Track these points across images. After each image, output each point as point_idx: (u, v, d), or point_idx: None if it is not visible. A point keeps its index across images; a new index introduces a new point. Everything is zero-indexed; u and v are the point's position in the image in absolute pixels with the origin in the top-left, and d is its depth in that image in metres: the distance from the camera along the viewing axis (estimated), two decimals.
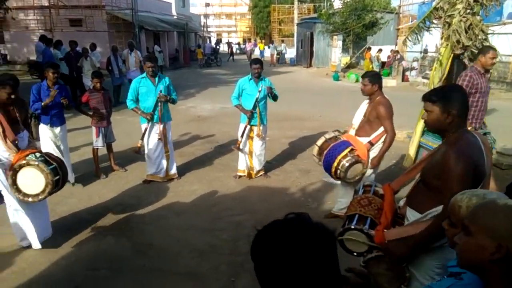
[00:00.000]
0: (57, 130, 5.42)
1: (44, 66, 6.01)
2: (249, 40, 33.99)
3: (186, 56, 28.46)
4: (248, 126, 5.69)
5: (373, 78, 4.17)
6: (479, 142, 2.20)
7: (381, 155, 4.14)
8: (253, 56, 29.29)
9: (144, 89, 5.48)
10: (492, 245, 1.15)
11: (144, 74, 5.54)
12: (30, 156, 3.71)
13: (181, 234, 4.33)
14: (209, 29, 49.15)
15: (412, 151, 6.25)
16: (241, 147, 5.77)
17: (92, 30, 20.03)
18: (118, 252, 3.98)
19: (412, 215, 2.40)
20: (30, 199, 3.70)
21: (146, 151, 5.69)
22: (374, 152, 4.19)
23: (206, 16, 46.70)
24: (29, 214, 3.88)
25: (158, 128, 5.55)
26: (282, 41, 36.20)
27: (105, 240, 4.19)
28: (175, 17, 31.98)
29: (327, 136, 4.15)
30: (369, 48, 20.66)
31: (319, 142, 4.17)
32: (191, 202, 5.18)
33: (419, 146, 6.18)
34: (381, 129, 4.14)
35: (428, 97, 2.26)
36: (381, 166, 6.20)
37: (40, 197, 3.70)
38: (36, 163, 3.64)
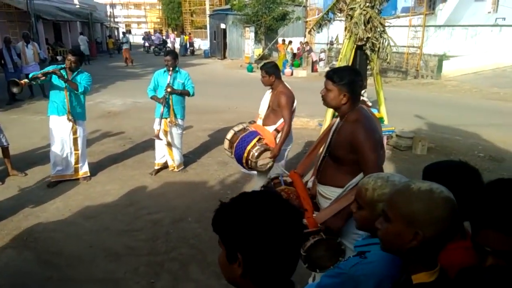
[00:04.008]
0: None
1: None
2: (160, 31, 33.17)
3: (92, 48, 26.65)
4: (163, 120, 5.51)
5: (268, 70, 4.35)
6: (372, 115, 2.55)
7: (280, 145, 4.19)
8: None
9: (56, 80, 5.00)
10: (409, 233, 1.16)
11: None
12: None
13: (94, 239, 4.05)
14: (116, 20, 46.54)
15: None
16: (160, 137, 5.58)
17: None
18: (21, 265, 3.59)
19: (328, 191, 2.54)
20: None
21: (52, 147, 5.23)
22: None
23: (113, 5, 43.98)
24: None
25: (68, 125, 5.15)
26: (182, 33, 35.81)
27: (4, 254, 3.75)
28: (77, 6, 29.65)
29: (236, 128, 4.18)
30: (283, 41, 21.27)
31: (229, 135, 4.18)
32: (104, 203, 4.87)
33: None
34: None
35: (330, 77, 2.46)
36: (294, 155, 6.45)
37: None
38: None
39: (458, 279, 1.26)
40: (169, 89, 5.36)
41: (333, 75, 2.44)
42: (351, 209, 1.70)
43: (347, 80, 2.40)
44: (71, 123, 5.16)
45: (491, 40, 15.98)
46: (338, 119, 2.62)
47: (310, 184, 2.79)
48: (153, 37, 33.11)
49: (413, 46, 16.87)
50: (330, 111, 6.32)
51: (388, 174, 1.64)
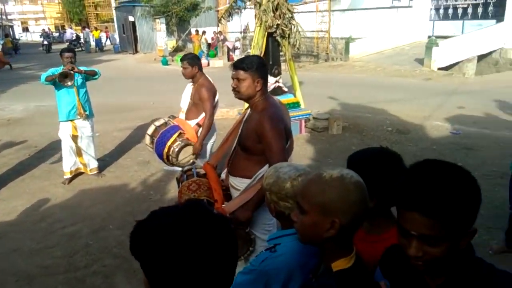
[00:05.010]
0: None
1: None
2: (62, 27, 30.53)
3: None
4: (70, 123, 5.08)
5: (192, 60, 4.19)
6: (279, 104, 2.54)
7: (201, 139, 4.08)
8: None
9: None
10: (326, 222, 1.14)
11: None
12: None
13: (2, 262, 3.62)
14: (10, 17, 42.13)
15: None
16: (69, 143, 5.15)
17: None
18: None
19: (238, 182, 2.53)
20: None
21: None
22: None
23: (4, 1, 39.71)
24: None
25: None
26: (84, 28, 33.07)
27: None
28: None
29: (157, 123, 4.00)
30: (197, 31, 20.84)
31: (150, 130, 3.99)
32: (10, 222, 4.37)
33: None
34: None
35: (240, 66, 2.38)
36: (216, 145, 6.38)
37: None
38: None
39: (382, 258, 1.29)
40: (70, 66, 4.80)
41: (241, 64, 2.39)
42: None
43: (257, 65, 2.37)
44: None
45: (390, 21, 17.19)
46: (249, 110, 2.59)
47: (223, 176, 2.77)
48: (54, 34, 30.64)
49: (322, 31, 17.58)
50: None
51: (282, 165, 1.67)
